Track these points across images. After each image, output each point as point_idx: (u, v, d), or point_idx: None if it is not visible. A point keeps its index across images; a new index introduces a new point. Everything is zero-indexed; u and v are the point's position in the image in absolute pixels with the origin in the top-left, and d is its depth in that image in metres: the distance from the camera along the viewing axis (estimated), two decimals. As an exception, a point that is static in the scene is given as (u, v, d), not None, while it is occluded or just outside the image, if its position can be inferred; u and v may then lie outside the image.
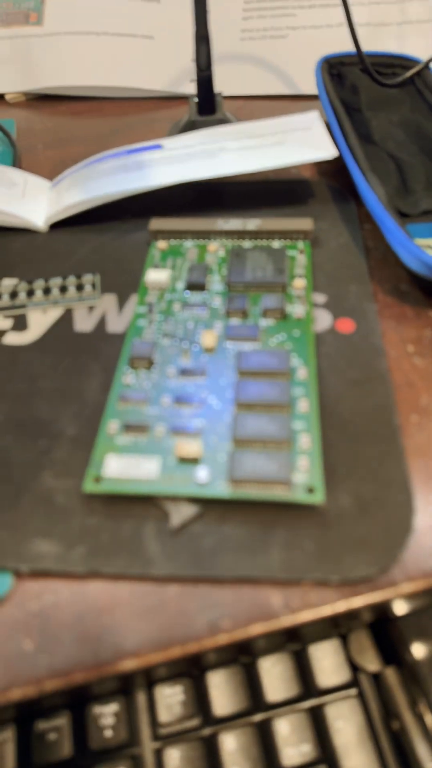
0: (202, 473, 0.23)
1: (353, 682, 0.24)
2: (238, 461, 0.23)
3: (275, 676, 0.23)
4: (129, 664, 0.21)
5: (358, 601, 0.22)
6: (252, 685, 0.24)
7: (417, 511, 0.23)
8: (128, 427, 0.25)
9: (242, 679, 0.24)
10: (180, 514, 0.23)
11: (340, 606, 0.22)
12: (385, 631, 0.24)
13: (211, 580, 0.22)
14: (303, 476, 0.23)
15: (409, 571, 0.22)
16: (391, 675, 0.24)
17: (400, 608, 0.23)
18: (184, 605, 0.22)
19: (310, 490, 0.23)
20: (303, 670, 0.24)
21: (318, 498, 0.22)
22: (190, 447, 0.24)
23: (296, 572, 0.22)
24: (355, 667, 0.24)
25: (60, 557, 0.22)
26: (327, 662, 0.24)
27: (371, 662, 0.24)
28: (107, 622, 0.21)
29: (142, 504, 0.23)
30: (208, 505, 0.23)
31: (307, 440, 0.24)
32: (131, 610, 0.22)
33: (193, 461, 0.24)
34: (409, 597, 0.22)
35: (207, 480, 0.23)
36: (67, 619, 0.22)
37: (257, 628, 0.21)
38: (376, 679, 0.24)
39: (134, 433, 0.25)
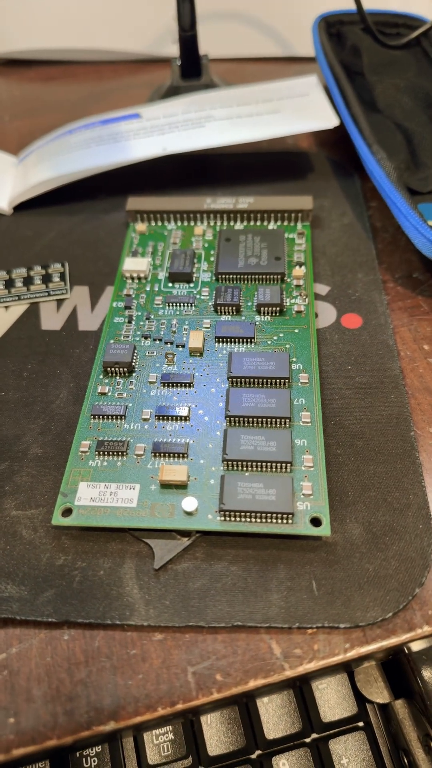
0: (189, 502, 0.20)
1: (360, 715, 0.21)
2: (231, 488, 0.20)
3: (275, 712, 0.21)
4: (108, 727, 0.18)
5: (371, 648, 0.19)
6: (249, 722, 0.21)
7: (438, 540, 0.20)
8: (103, 447, 0.21)
9: (238, 716, 0.21)
10: (164, 551, 0.20)
11: (351, 654, 0.19)
12: (394, 661, 0.21)
13: (201, 628, 0.19)
14: (306, 505, 0.20)
15: (428, 610, 0.19)
16: (401, 707, 0.21)
17: (415, 644, 0.20)
18: (170, 657, 0.18)
19: (315, 522, 0.19)
20: (306, 704, 0.21)
21: (324, 530, 0.19)
22: (174, 471, 0.20)
23: (300, 619, 0.18)
24: (362, 699, 0.21)
25: (26, 603, 0.19)
26: (332, 695, 0.21)
27: (380, 694, 0.22)
28: (82, 676, 0.18)
29: (119, 538, 0.20)
30: (197, 538, 0.20)
31: (310, 460, 0.21)
32: (109, 663, 0.18)
33: (179, 487, 0.20)
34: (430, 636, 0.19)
35: (195, 510, 0.20)
36: (36, 672, 0.18)
37: (255, 683, 0.18)
38: (385, 711, 0.22)
39: (110, 454, 0.21)
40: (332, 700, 0.21)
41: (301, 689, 0.22)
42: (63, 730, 0.17)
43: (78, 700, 0.18)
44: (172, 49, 0.44)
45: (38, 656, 0.19)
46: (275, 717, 0.21)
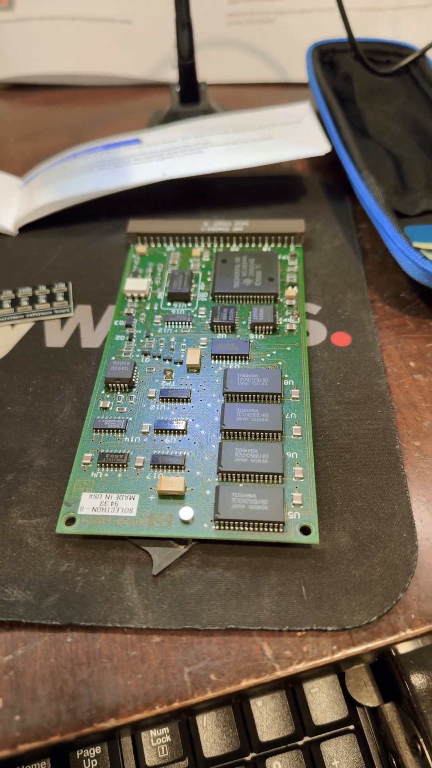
0: (185, 512, 0.21)
1: (350, 718, 0.22)
2: (226, 498, 0.21)
3: (268, 715, 0.22)
4: (108, 724, 0.19)
5: (357, 650, 0.20)
6: (244, 724, 0.22)
7: (420, 548, 0.21)
8: (105, 459, 0.22)
9: (233, 718, 0.22)
10: (162, 558, 0.21)
11: (338, 656, 0.20)
12: (383, 665, 0.22)
13: (196, 631, 0.20)
14: (296, 514, 0.21)
15: (411, 614, 0.20)
16: (389, 710, 0.22)
17: (402, 647, 0.21)
18: (167, 658, 0.19)
19: (305, 531, 0.20)
20: (298, 707, 0.22)
21: (313, 539, 0.20)
22: (172, 482, 0.21)
23: (290, 622, 0.19)
24: (352, 703, 0.22)
25: (32, 607, 0.20)
26: (323, 698, 0.22)
27: (369, 698, 0.23)
28: (84, 676, 0.19)
29: (120, 545, 0.21)
30: (193, 546, 0.21)
31: (300, 472, 0.22)
32: (110, 664, 0.20)
33: (176, 497, 0.21)
34: (412, 638, 0.20)
35: (191, 519, 0.21)
36: (41, 673, 0.19)
37: (247, 682, 0.19)
38: (374, 714, 0.23)
39: (111, 466, 0.22)
40: (324, 704, 0.22)
41: (293, 692, 0.23)
42: (66, 727, 0.19)
43: (80, 699, 0.19)
44: (172, 74, 0.46)
45: (43, 657, 0.20)
46: (269, 720, 0.22)
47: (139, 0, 0.45)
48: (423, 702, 0.21)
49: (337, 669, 0.22)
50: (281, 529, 0.20)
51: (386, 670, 0.22)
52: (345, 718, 0.22)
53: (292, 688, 0.23)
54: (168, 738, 0.22)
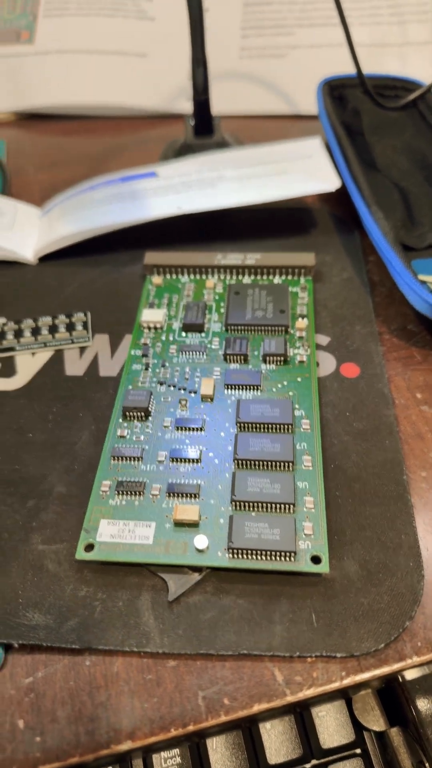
0: (200, 540, 0.22)
1: (357, 742, 0.23)
2: (239, 527, 0.22)
3: (277, 738, 0.22)
4: (125, 746, 0.19)
5: (365, 676, 0.20)
6: (253, 747, 0.22)
7: (426, 577, 0.22)
8: (122, 487, 0.23)
9: (242, 741, 0.22)
10: (177, 584, 0.22)
11: (347, 682, 0.20)
12: (390, 690, 0.23)
13: (210, 656, 0.21)
14: (307, 544, 0.22)
15: (417, 642, 0.21)
16: (396, 735, 0.23)
17: (409, 673, 0.22)
18: (182, 682, 0.20)
19: (315, 560, 0.21)
20: (306, 731, 0.23)
21: (323, 568, 0.21)
22: (187, 511, 0.22)
23: (300, 648, 0.20)
24: (359, 727, 0.23)
25: (52, 631, 0.21)
26: (330, 722, 0.23)
27: (376, 722, 0.23)
28: (102, 699, 0.20)
29: (137, 571, 0.22)
30: (207, 573, 0.22)
31: (311, 502, 0.23)
32: (127, 687, 0.20)
33: (191, 525, 0.22)
34: (419, 665, 0.21)
35: (205, 547, 0.22)
36: (60, 695, 0.20)
37: (259, 707, 0.20)
38: (381, 738, 0.23)
39: (128, 493, 0.23)
40: (331, 727, 0.23)
41: (302, 716, 0.23)
42: (85, 749, 0.19)
43: (98, 721, 0.20)
44: (186, 106, 0.47)
45: (62, 680, 0.20)
46: (277, 743, 0.23)
47: (153, 34, 0.47)
48: (429, 727, 0.21)
49: (345, 694, 0.23)
50: (293, 559, 0.21)
51: (393, 694, 0.23)
52: (352, 741, 0.23)
53: (300, 712, 0.23)
54: (178, 759, 0.22)
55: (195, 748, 0.23)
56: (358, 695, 0.23)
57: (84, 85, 0.48)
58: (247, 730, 0.23)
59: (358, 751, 0.23)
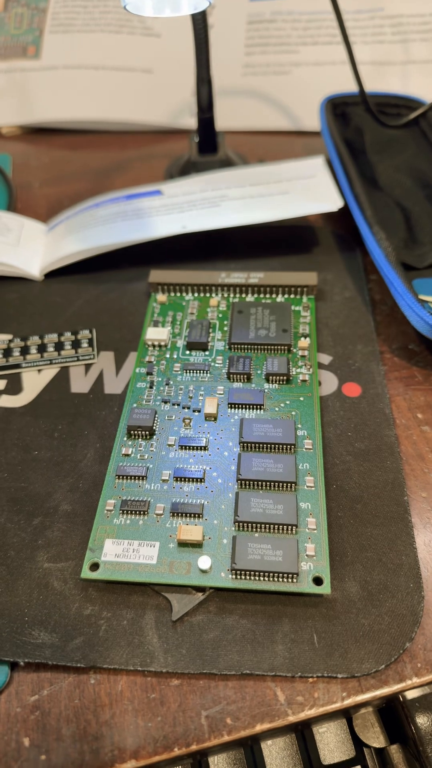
0: (204, 561, 0.22)
1: (357, 759, 0.23)
2: (242, 548, 0.22)
3: (278, 754, 0.23)
4: (129, 765, 0.20)
5: (365, 697, 0.21)
6: (254, 764, 0.23)
7: (426, 598, 0.22)
8: (126, 506, 0.24)
9: (243, 757, 0.23)
10: (181, 604, 0.22)
11: (348, 702, 0.21)
12: (390, 707, 0.23)
13: (213, 675, 0.21)
14: (309, 565, 0.22)
15: (417, 663, 0.21)
16: (395, 752, 0.23)
17: (409, 692, 0.22)
18: (186, 701, 0.21)
19: (317, 581, 0.22)
20: (306, 747, 0.23)
21: (325, 589, 0.21)
22: (191, 531, 0.23)
23: (302, 669, 0.21)
24: (359, 743, 0.23)
25: (57, 649, 0.21)
26: (331, 738, 0.23)
27: (376, 739, 0.24)
28: (106, 717, 0.20)
29: (141, 590, 0.22)
30: (211, 593, 0.22)
31: (313, 523, 0.23)
32: (131, 706, 0.21)
33: (195, 546, 0.23)
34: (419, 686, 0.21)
35: (209, 568, 0.22)
36: (65, 713, 0.20)
37: (261, 726, 0.20)
38: (381, 755, 0.23)
39: (133, 513, 0.24)
40: (332, 744, 0.23)
41: (302, 733, 0.24)
42: (89, 768, 0.20)
43: (103, 740, 0.20)
44: (191, 121, 0.48)
45: (67, 698, 0.21)
46: (278, 759, 0.23)
47: (159, 50, 0.47)
48: (428, 745, 0.21)
49: (346, 713, 0.23)
50: (295, 580, 0.21)
51: (393, 712, 0.23)
52: (352, 758, 0.23)
53: (301, 729, 0.23)
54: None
55: (197, 765, 0.23)
56: (359, 713, 0.24)
57: (89, 100, 0.48)
58: (248, 747, 0.23)
59: (359, 767, 0.23)
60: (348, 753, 0.23)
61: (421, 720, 0.22)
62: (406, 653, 0.21)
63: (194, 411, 0.27)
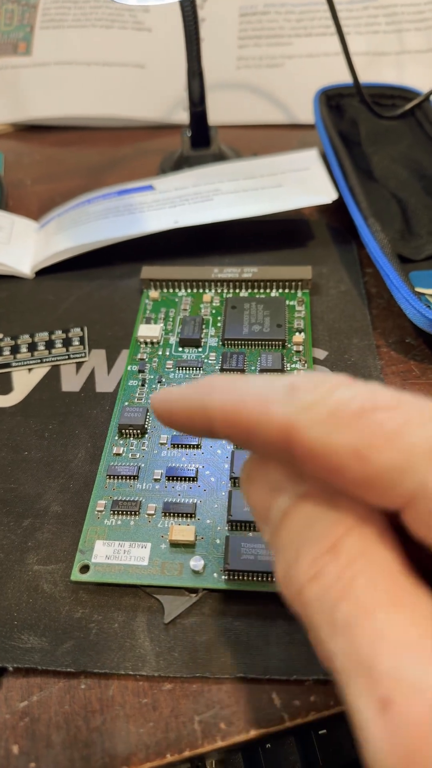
0: (196, 562, 0.21)
1: (357, 761, 0.22)
2: (235, 548, 0.21)
3: (276, 759, 0.22)
4: (120, 772, 0.19)
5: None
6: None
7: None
8: (117, 507, 0.23)
9: (241, 761, 0.22)
10: (173, 606, 0.21)
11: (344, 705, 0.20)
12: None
13: (206, 679, 0.20)
14: (305, 564, 0.21)
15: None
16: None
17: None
18: (178, 706, 0.20)
19: (313, 581, 0.21)
20: (305, 749, 0.22)
21: (321, 589, 0.21)
22: (183, 532, 0.22)
23: (297, 671, 0.20)
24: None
25: (47, 653, 0.21)
26: (330, 741, 0.23)
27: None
28: (97, 723, 0.20)
29: (132, 592, 0.22)
30: (204, 594, 0.22)
31: (308, 521, 0.22)
32: (123, 711, 0.20)
33: (187, 546, 0.22)
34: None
35: (202, 569, 0.21)
36: (55, 719, 0.20)
37: (257, 732, 0.20)
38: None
39: (124, 513, 0.23)
40: (331, 746, 0.23)
41: (301, 735, 0.23)
42: (80, 776, 0.19)
43: (94, 747, 0.19)
44: (183, 116, 0.47)
45: (57, 704, 0.20)
46: (276, 763, 0.22)
47: (151, 46, 0.47)
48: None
49: (344, 716, 0.22)
50: (289, 580, 0.21)
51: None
52: (352, 760, 0.22)
53: (298, 733, 0.23)
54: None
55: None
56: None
57: (81, 96, 0.48)
58: (246, 752, 0.23)
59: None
60: (348, 755, 0.22)
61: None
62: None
63: (187, 408, 0.27)
